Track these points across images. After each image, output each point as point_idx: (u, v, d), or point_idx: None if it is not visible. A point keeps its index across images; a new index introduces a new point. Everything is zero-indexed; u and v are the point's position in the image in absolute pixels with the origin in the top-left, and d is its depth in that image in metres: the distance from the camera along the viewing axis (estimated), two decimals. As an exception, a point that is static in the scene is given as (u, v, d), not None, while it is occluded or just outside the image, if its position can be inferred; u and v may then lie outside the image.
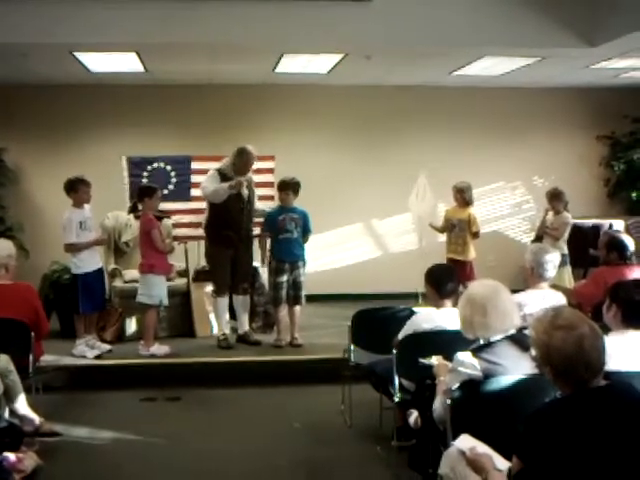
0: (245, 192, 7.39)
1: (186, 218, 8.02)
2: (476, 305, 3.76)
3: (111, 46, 7.28)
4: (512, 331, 3.78)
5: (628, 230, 8.61)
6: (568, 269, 7.73)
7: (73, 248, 6.99)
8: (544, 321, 2.78)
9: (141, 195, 7.18)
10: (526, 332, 3.59)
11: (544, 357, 2.75)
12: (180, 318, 8.04)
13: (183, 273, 8.18)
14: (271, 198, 7.97)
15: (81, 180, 7.04)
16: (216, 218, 7.38)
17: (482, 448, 3.15)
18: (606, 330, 3.77)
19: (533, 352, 2.85)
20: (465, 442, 3.24)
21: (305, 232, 7.49)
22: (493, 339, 3.73)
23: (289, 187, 7.38)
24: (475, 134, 10.34)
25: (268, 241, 7.57)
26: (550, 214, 8.01)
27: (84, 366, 6.93)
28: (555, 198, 7.94)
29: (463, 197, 8.07)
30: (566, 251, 7.77)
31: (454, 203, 8.26)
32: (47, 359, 6.16)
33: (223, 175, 7.31)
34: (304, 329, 7.73)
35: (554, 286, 5.33)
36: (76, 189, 6.99)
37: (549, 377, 2.77)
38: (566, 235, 7.88)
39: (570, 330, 2.68)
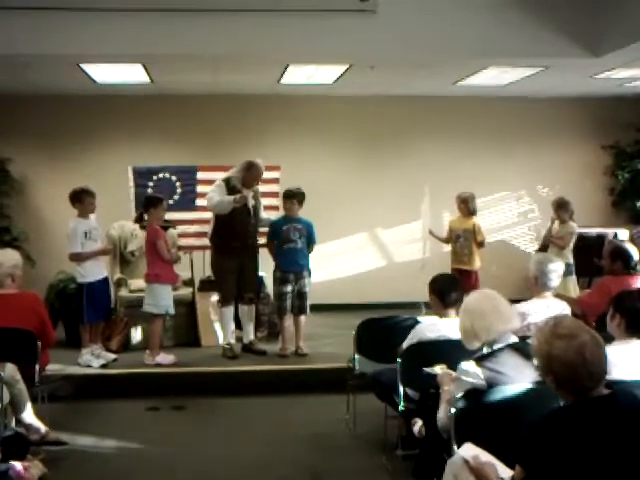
0: (251, 202, 7.42)
1: (191, 228, 8.07)
2: (474, 312, 3.83)
3: (117, 58, 7.31)
4: (514, 338, 3.81)
5: (633, 239, 8.61)
6: (573, 278, 7.72)
7: (78, 258, 7.02)
8: (545, 330, 2.79)
9: (146, 205, 7.22)
10: (529, 341, 3.60)
11: (546, 366, 2.76)
12: (185, 327, 8.05)
13: (188, 283, 8.20)
14: (276, 208, 8.00)
15: (86, 191, 7.08)
16: (222, 228, 7.41)
17: (485, 457, 3.16)
18: (610, 340, 3.79)
19: (535, 361, 2.86)
20: (469, 451, 3.25)
21: (310, 242, 7.51)
22: (496, 346, 3.75)
23: (294, 197, 7.40)
24: (480, 144, 10.35)
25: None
26: (556, 223, 8.01)
27: (90, 375, 6.95)
28: (561, 207, 7.94)
29: (467, 207, 8.08)
30: (571, 260, 7.77)
31: (458, 213, 8.26)
32: (53, 368, 6.19)
33: (230, 186, 7.35)
34: (309, 338, 7.74)
35: (558, 295, 5.34)
36: (81, 200, 7.02)
37: (551, 386, 2.78)
38: (571, 244, 7.88)
39: (571, 339, 2.69)
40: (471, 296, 4.05)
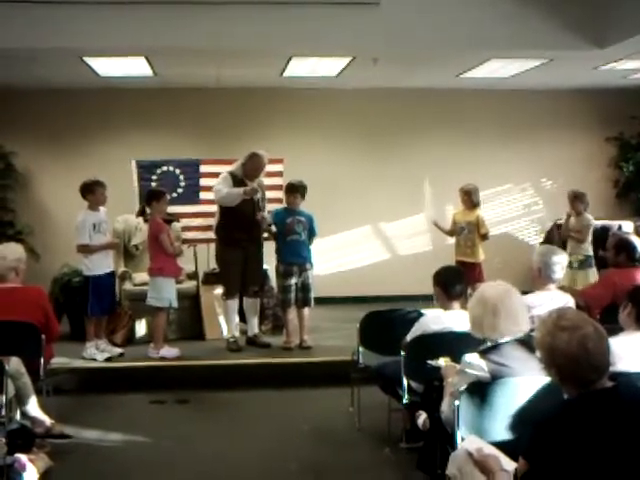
0: (257, 195, 7.42)
1: (195, 221, 8.05)
2: (487, 305, 3.75)
3: (120, 50, 7.32)
4: (520, 335, 3.77)
5: (637, 231, 8.59)
6: (593, 271, 7.68)
7: (85, 249, 7.03)
8: (548, 322, 2.78)
9: (149, 199, 7.22)
10: (534, 334, 3.60)
11: (549, 358, 2.75)
12: (190, 321, 8.06)
13: (192, 276, 8.21)
14: (280, 201, 7.98)
15: (97, 182, 7.11)
16: (227, 220, 7.41)
17: (489, 449, 3.16)
18: (614, 332, 3.78)
19: (538, 354, 2.86)
20: (472, 443, 3.26)
21: (311, 235, 7.52)
22: (501, 341, 3.74)
23: (297, 190, 7.39)
24: (484, 136, 10.34)
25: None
26: (572, 218, 7.98)
27: (94, 368, 6.97)
28: (577, 198, 7.93)
29: (470, 199, 8.06)
30: (591, 253, 7.77)
31: (462, 205, 8.25)
32: (58, 362, 6.18)
33: (235, 178, 7.36)
34: (313, 331, 7.74)
35: (562, 288, 5.33)
36: (93, 191, 7.04)
37: (555, 379, 2.77)
38: (590, 237, 7.86)
39: (574, 331, 2.68)
40: (490, 287, 3.91)
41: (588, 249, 7.78)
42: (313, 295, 7.51)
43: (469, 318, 3.91)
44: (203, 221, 7.97)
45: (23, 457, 4.45)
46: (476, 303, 3.85)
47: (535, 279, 5.12)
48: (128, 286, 8.04)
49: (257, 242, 7.58)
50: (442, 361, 4.13)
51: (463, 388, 3.53)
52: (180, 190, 8.09)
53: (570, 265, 7.44)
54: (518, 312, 3.76)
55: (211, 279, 8.05)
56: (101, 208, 7.18)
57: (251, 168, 7.37)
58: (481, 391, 3.48)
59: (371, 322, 5.68)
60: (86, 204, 7.09)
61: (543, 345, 2.77)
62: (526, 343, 3.64)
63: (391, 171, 10.14)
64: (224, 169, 7.54)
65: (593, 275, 7.63)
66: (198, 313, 8.07)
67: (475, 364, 3.57)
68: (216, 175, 7.57)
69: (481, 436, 3.36)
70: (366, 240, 10.44)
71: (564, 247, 7.56)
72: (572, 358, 2.65)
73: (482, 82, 9.53)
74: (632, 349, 3.69)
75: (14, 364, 4.94)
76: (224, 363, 7.13)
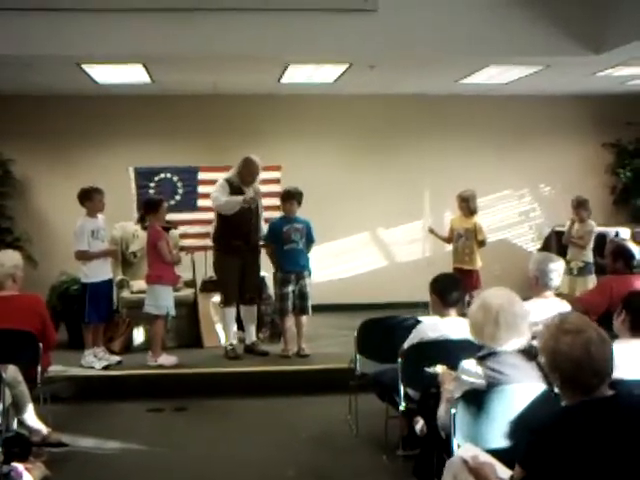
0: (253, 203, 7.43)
1: (193, 229, 8.06)
2: (490, 313, 3.67)
3: (118, 58, 7.33)
4: (520, 346, 3.68)
5: (634, 238, 8.59)
6: (593, 278, 7.69)
7: (84, 256, 7.04)
8: (551, 326, 2.77)
9: (147, 209, 7.22)
10: (532, 342, 3.59)
11: (552, 363, 2.74)
12: (187, 328, 8.05)
13: (190, 283, 8.20)
14: (278, 208, 7.98)
15: (95, 189, 7.14)
16: (225, 228, 7.41)
17: (484, 457, 3.16)
18: (613, 339, 3.78)
19: (541, 359, 2.84)
20: (468, 451, 3.25)
21: (309, 242, 7.52)
22: (499, 349, 3.71)
23: (294, 197, 7.40)
24: (481, 142, 10.33)
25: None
26: (575, 224, 7.99)
27: (92, 376, 6.96)
28: (581, 205, 7.94)
29: (468, 206, 8.04)
30: (591, 260, 7.79)
31: (459, 212, 8.24)
32: (55, 369, 6.19)
33: (232, 185, 7.36)
34: (311, 339, 7.74)
35: (559, 295, 5.32)
36: (91, 198, 7.06)
37: (556, 384, 2.76)
38: (591, 243, 7.87)
39: (577, 334, 2.68)
40: (494, 295, 3.81)
41: (589, 255, 7.80)
42: (311, 303, 7.51)
43: (469, 322, 3.85)
44: (201, 228, 7.97)
45: (20, 466, 4.44)
46: (478, 308, 3.76)
47: (532, 287, 5.11)
48: (126, 294, 8.03)
49: (255, 250, 7.58)
50: (439, 368, 4.12)
51: (459, 395, 3.53)
52: (178, 197, 8.11)
53: (570, 272, 7.48)
54: (519, 322, 3.68)
55: (209, 287, 8.04)
56: (99, 215, 7.20)
57: (247, 174, 7.38)
58: (477, 399, 3.48)
59: (368, 330, 5.68)
60: (84, 211, 7.11)
61: (546, 349, 2.76)
62: (524, 351, 3.62)
63: (389, 178, 10.13)
64: (222, 176, 7.54)
65: (592, 282, 7.62)
66: (196, 321, 8.06)
67: (472, 371, 3.56)
68: (214, 182, 7.58)
69: (477, 444, 3.35)
70: (364, 247, 10.43)
71: (564, 253, 7.58)
72: (575, 362, 2.64)
73: (479, 88, 9.54)
74: (627, 357, 3.67)
75: (11, 372, 4.93)
76: (222, 371, 7.12)
